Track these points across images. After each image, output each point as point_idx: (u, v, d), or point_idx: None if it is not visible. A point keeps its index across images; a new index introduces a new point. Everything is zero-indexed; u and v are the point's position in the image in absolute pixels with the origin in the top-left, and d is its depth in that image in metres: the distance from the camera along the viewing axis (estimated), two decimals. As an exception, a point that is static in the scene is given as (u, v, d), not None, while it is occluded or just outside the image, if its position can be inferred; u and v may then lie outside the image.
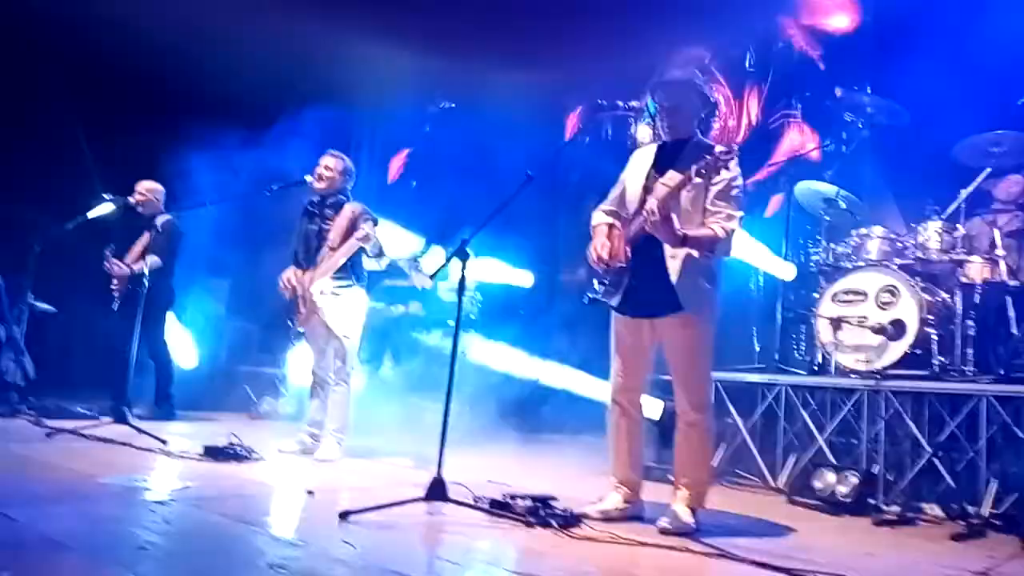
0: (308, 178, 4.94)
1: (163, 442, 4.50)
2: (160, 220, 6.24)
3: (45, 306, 6.64)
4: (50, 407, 5.54)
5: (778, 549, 2.99)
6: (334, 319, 4.76)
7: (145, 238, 6.12)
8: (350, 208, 4.85)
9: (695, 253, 3.22)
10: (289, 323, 4.93)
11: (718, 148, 3.17)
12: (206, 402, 7.45)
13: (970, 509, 3.74)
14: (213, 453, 4.23)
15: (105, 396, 6.34)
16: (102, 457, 4.08)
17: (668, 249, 3.21)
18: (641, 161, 3.53)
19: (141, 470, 3.74)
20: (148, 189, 6.33)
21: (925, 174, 5.37)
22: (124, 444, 4.47)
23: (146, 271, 5.70)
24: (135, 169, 6.81)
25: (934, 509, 3.95)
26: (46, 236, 6.21)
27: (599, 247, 3.40)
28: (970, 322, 4.48)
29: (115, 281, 6.14)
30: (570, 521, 3.10)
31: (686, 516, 3.20)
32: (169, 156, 7.34)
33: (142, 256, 6.08)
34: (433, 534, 2.92)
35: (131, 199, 6.14)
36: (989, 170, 4.80)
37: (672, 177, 3.22)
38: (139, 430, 4.76)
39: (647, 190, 3.35)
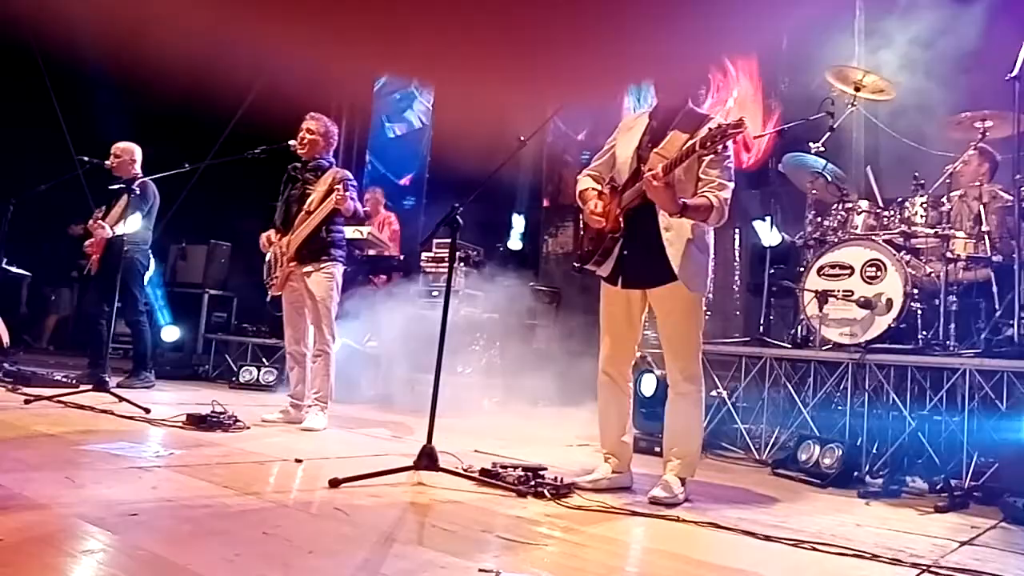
0: (291, 143, 4.87)
1: (146, 410, 4.43)
2: (137, 182, 6.11)
3: (18, 270, 6.49)
4: (27, 374, 5.43)
5: (766, 519, 3.02)
6: (314, 287, 4.71)
7: (123, 200, 6.00)
8: (331, 174, 4.80)
9: (688, 222, 3.20)
10: (267, 287, 4.89)
11: (718, 120, 3.15)
12: (185, 371, 7.39)
13: (952, 481, 3.79)
14: (196, 421, 4.18)
15: (82, 362, 6.26)
16: (84, 424, 4.01)
17: (663, 219, 3.19)
18: (631, 129, 3.49)
19: (124, 437, 3.67)
20: (123, 150, 6.17)
21: (912, 149, 5.39)
22: (105, 412, 4.41)
23: (122, 233, 5.59)
24: (109, 131, 6.66)
25: (917, 481, 4.01)
26: (18, 199, 6.06)
27: (596, 210, 3.37)
28: (953, 297, 4.52)
29: (90, 244, 6.01)
30: (561, 491, 3.10)
31: (676, 486, 3.21)
32: (144, 119, 7.20)
33: (120, 219, 5.95)
34: (424, 502, 2.90)
35: (106, 163, 5.99)
36: (974, 145, 4.83)
37: (670, 146, 3.19)
38: (120, 398, 4.69)
39: (640, 158, 3.32)
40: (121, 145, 6.20)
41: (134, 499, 2.50)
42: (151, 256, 6.38)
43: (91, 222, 5.95)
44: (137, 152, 6.26)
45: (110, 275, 5.54)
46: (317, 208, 4.69)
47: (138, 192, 5.91)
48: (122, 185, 5.83)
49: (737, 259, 6.89)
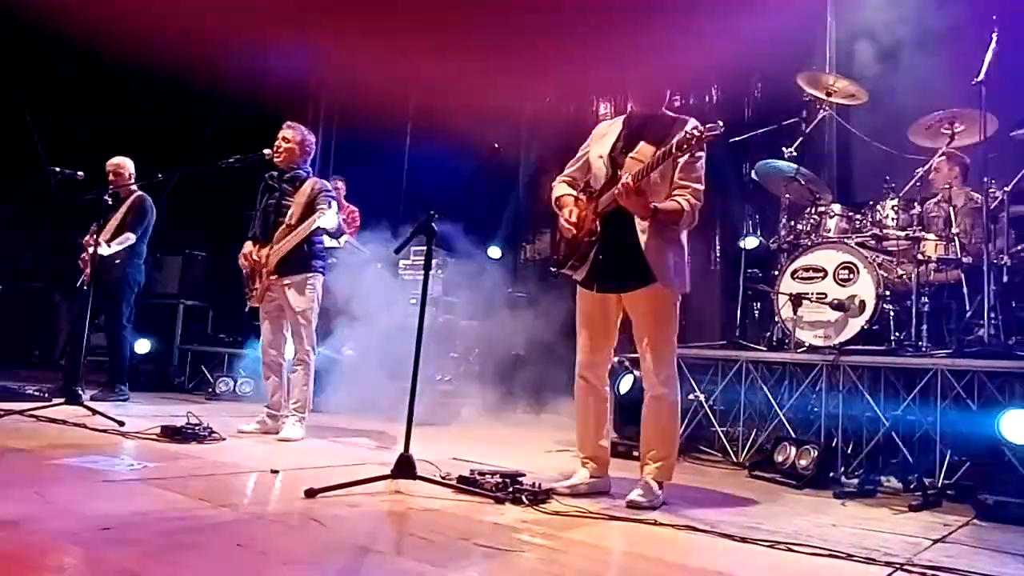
0: (266, 152, 4.84)
1: (119, 423, 4.38)
2: (132, 197, 6.14)
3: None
4: (-2, 388, 5.35)
5: (743, 521, 3.03)
6: (294, 298, 4.69)
7: (118, 215, 6.08)
8: (310, 185, 4.77)
9: (663, 226, 3.22)
10: (246, 298, 4.85)
11: (693, 123, 3.18)
12: (160, 383, 7.30)
13: (926, 480, 3.84)
14: (171, 433, 4.13)
15: (53, 377, 6.17)
16: (56, 438, 3.95)
17: (639, 222, 3.21)
18: (606, 134, 3.51)
19: (97, 451, 3.62)
20: (118, 165, 6.24)
21: (884, 153, 5.46)
22: (78, 425, 4.34)
23: (112, 250, 5.63)
24: (83, 145, 6.62)
25: (891, 480, 4.06)
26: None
27: (570, 218, 3.38)
28: (925, 298, 4.59)
29: (83, 258, 5.97)
30: (539, 497, 3.10)
31: (654, 490, 3.23)
32: (117, 127, 7.13)
33: (114, 234, 6.03)
34: (401, 511, 2.88)
35: (79, 175, 5.92)
36: (944, 148, 4.90)
37: (644, 151, 3.22)
38: (93, 411, 4.63)
39: (615, 163, 3.34)
40: (115, 161, 6.24)
41: (107, 513, 2.46)
42: (143, 270, 6.35)
43: (87, 237, 5.91)
44: (130, 165, 6.29)
45: (101, 289, 5.62)
46: (299, 222, 4.65)
47: (132, 208, 6.07)
48: (103, 198, 5.77)
49: (713, 263, 6.94)
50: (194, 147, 7.33)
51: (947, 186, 4.82)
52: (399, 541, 2.52)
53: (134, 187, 6.24)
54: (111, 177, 6.15)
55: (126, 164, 6.27)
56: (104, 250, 5.78)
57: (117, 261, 6.00)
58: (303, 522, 2.62)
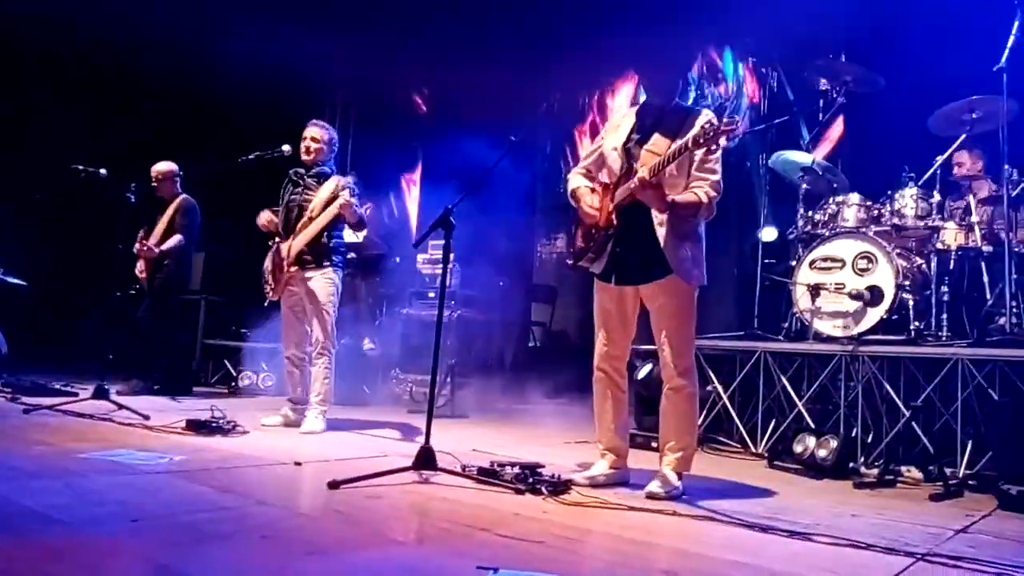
0: (285, 148, 4.89)
1: (145, 417, 4.45)
2: (177, 200, 6.34)
3: (15, 280, 6.50)
4: (26, 383, 5.44)
5: (762, 511, 3.04)
6: (316, 290, 4.73)
7: (166, 217, 6.29)
8: (335, 180, 4.81)
9: (681, 218, 3.23)
10: (265, 293, 4.91)
11: (709, 115, 3.19)
12: (184, 378, 7.38)
13: (947, 470, 3.83)
14: (196, 427, 4.19)
15: (74, 372, 6.29)
16: (83, 432, 4.02)
17: (656, 215, 3.21)
18: (619, 125, 3.52)
19: (124, 444, 3.69)
20: (163, 173, 6.37)
21: (902, 142, 5.42)
22: (105, 419, 4.42)
23: (166, 250, 6.09)
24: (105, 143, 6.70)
25: (912, 471, 4.05)
26: (15, 207, 6.11)
27: (589, 211, 3.39)
28: (945, 288, 4.56)
29: (140, 264, 6.20)
30: (559, 488, 3.12)
31: (673, 480, 3.24)
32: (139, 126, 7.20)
33: (163, 237, 6.23)
34: (423, 501, 2.92)
35: (102, 172, 6.01)
36: (964, 136, 4.86)
37: (659, 143, 3.23)
38: (120, 405, 4.70)
39: (630, 155, 3.34)
40: (161, 168, 6.36)
41: (134, 505, 2.52)
42: (191, 269, 6.62)
43: (136, 245, 6.06)
44: (175, 169, 6.43)
45: (158, 290, 6.03)
46: (320, 214, 4.70)
47: (179, 210, 6.31)
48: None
49: (731, 254, 6.91)
50: (214, 144, 7.39)
51: (971, 177, 4.78)
52: (421, 531, 2.56)
53: (179, 190, 6.40)
54: (155, 182, 6.29)
55: (170, 170, 6.40)
56: (161, 248, 6.08)
57: (166, 262, 6.20)
58: (326, 514, 2.67)
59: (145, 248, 6.05)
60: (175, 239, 6.24)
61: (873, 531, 2.78)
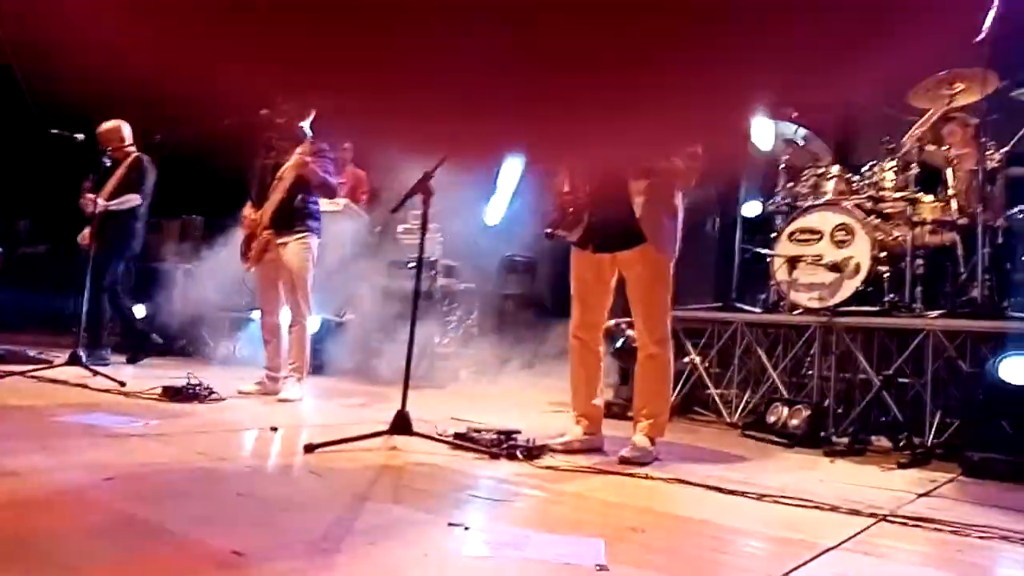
0: (263, 111, 4.83)
1: (121, 383, 4.43)
2: (130, 158, 6.13)
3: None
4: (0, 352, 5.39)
5: (733, 476, 3.09)
6: (290, 257, 4.71)
7: (117, 175, 6.04)
8: (306, 144, 4.76)
9: (658, 188, 3.24)
10: (243, 261, 4.88)
11: None
12: (161, 346, 7.34)
13: (915, 439, 3.90)
14: (172, 393, 4.19)
15: (57, 341, 6.22)
16: (58, 397, 4.01)
17: (634, 184, 3.22)
18: None
19: (100, 409, 3.68)
20: (110, 129, 6.16)
21: (883, 114, 5.43)
22: (79, 385, 4.40)
23: (111, 205, 5.78)
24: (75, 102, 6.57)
25: (882, 440, 4.12)
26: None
27: (563, 179, 3.40)
28: (920, 260, 4.61)
29: (85, 233, 5.96)
30: (534, 453, 3.15)
31: (646, 445, 3.28)
32: (111, 90, 7.07)
33: (112, 193, 5.98)
34: (399, 465, 2.94)
35: (78, 136, 5.90)
36: (945, 106, 4.88)
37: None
38: (95, 371, 4.68)
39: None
40: (108, 125, 6.14)
41: (109, 465, 2.52)
42: (142, 234, 6.34)
43: (82, 198, 5.83)
44: (125, 129, 6.23)
45: (102, 249, 5.63)
46: (288, 176, 4.67)
47: (131, 168, 6.06)
48: (102, 160, 5.73)
49: (710, 225, 6.94)
50: (190, 110, 7.29)
51: (965, 150, 4.79)
52: (396, 492, 2.58)
53: (131, 149, 6.22)
54: (104, 141, 6.05)
55: (119, 126, 6.21)
56: (103, 205, 5.74)
57: (113, 222, 5.91)
58: (302, 474, 2.69)
59: (90, 202, 5.64)
60: (128, 197, 6.01)
61: (839, 495, 2.83)
